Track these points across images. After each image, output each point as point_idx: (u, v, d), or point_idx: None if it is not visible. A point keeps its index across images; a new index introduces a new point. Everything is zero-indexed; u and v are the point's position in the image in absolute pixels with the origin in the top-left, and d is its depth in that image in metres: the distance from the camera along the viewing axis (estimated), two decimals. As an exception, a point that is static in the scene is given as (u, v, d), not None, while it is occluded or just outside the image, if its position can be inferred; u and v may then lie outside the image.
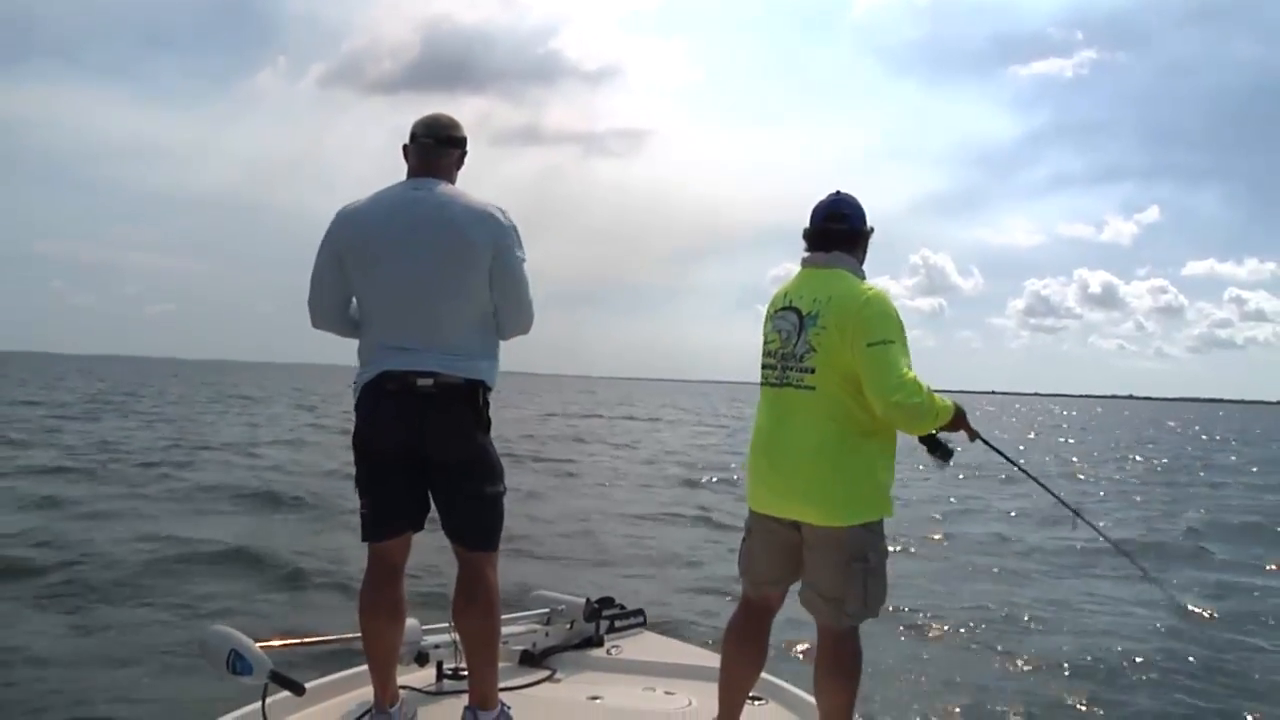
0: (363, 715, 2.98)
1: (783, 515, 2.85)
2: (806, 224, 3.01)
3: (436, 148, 3.04)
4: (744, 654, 3.01)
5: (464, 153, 3.12)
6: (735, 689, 3.00)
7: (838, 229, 2.95)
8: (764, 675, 3.46)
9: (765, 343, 2.94)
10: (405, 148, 3.07)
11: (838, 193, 3.02)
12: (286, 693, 2.92)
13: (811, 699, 3.05)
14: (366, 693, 3.08)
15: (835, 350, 2.76)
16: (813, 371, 2.78)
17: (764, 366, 2.93)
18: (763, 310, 3.10)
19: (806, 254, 2.99)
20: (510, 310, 3.01)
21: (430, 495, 2.96)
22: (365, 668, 3.16)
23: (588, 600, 4.02)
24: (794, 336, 2.82)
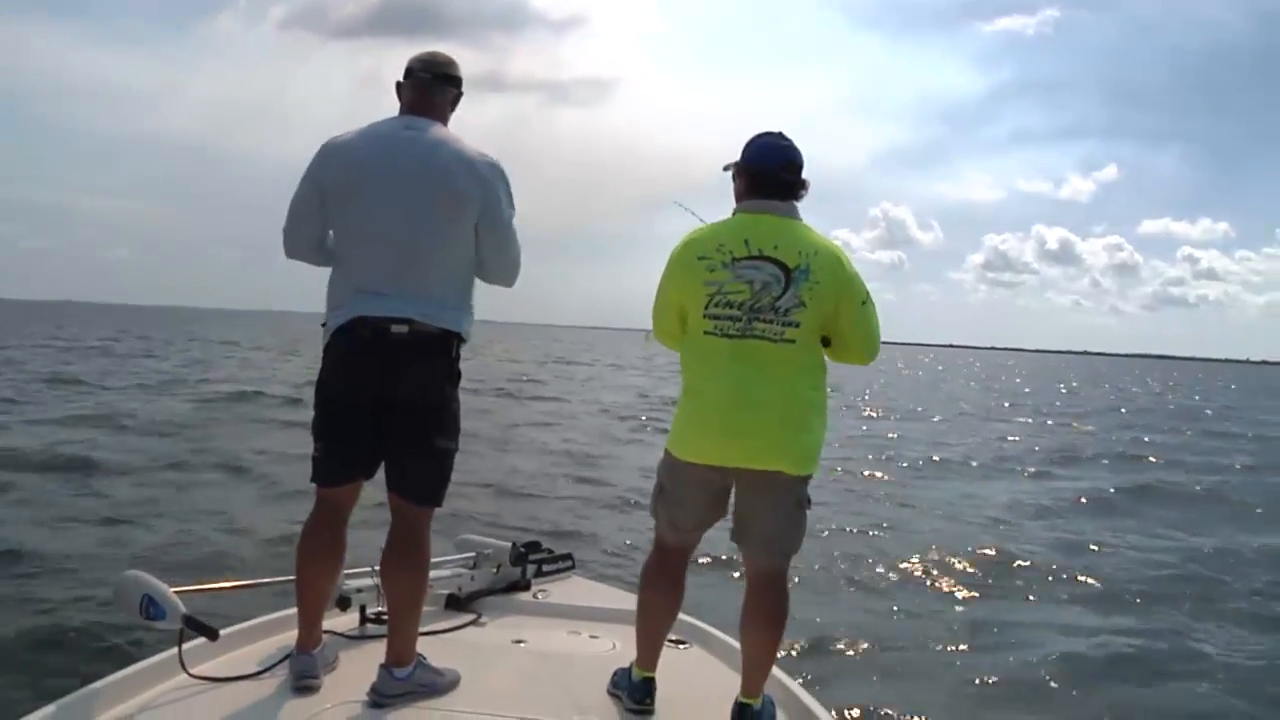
0: (283, 659, 2.97)
1: (750, 466, 2.81)
2: (747, 161, 2.92)
3: (434, 83, 2.96)
4: (666, 598, 3.03)
5: (460, 94, 3.04)
6: (657, 632, 3.03)
7: (792, 180, 2.91)
8: (688, 619, 3.52)
9: (721, 292, 2.79)
10: (399, 85, 2.98)
11: (780, 135, 2.96)
12: (203, 638, 2.90)
13: (733, 641, 3.10)
14: (285, 638, 3.08)
15: (823, 305, 2.78)
16: (797, 325, 2.75)
17: (717, 317, 2.79)
18: None
19: (759, 200, 2.89)
20: (495, 262, 2.97)
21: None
22: (284, 613, 3.16)
23: (514, 544, 4.04)
24: (774, 288, 2.74)
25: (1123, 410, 35.83)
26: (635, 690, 2.97)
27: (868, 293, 2.86)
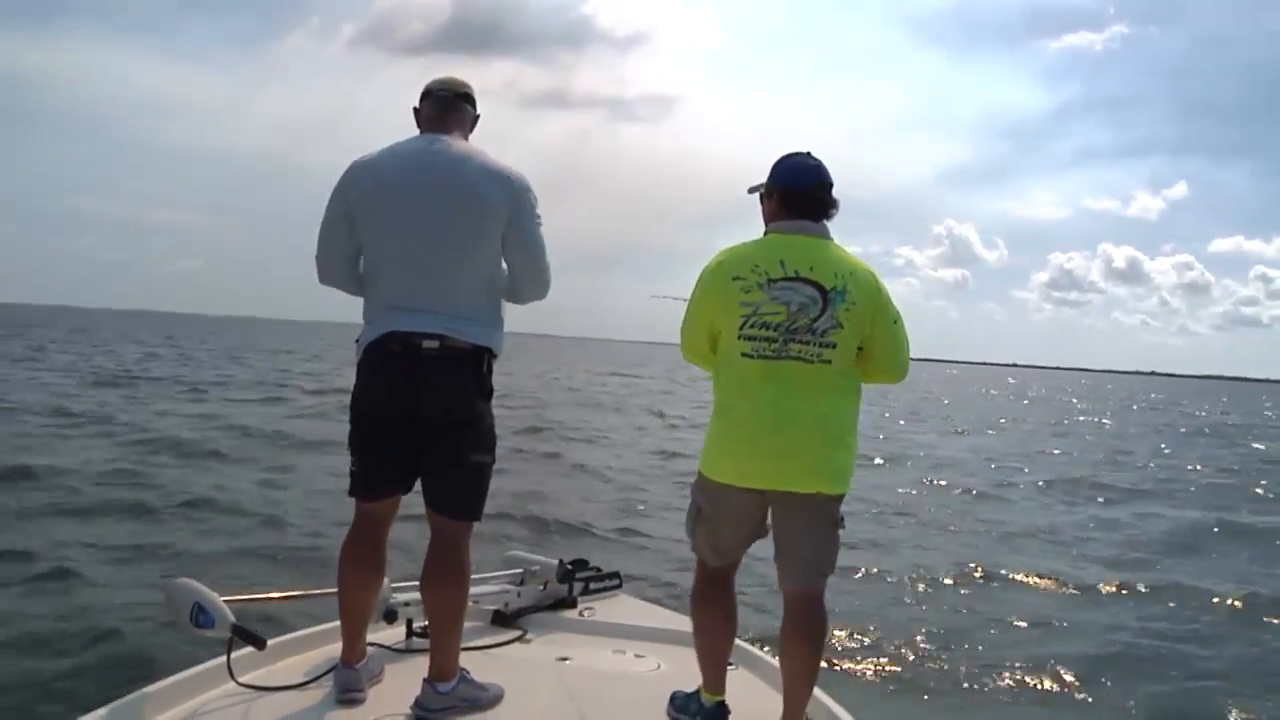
0: (329, 670, 3.00)
1: (785, 488, 2.80)
2: (778, 182, 2.93)
3: (455, 100, 3.01)
4: (720, 619, 3.01)
5: (477, 115, 3.07)
6: (719, 653, 3.01)
7: (824, 198, 2.92)
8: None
9: (757, 313, 2.78)
10: (416, 110, 3.02)
11: (809, 154, 2.96)
12: (251, 647, 2.93)
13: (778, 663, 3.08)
14: (332, 649, 3.11)
15: (858, 326, 2.79)
16: (834, 346, 2.76)
17: (753, 338, 2.79)
18: None
19: (792, 220, 2.89)
20: (525, 275, 2.97)
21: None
22: (330, 625, 3.19)
23: (561, 561, 4.04)
24: (811, 310, 2.75)
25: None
26: (710, 715, 2.96)
27: (898, 312, 2.88)
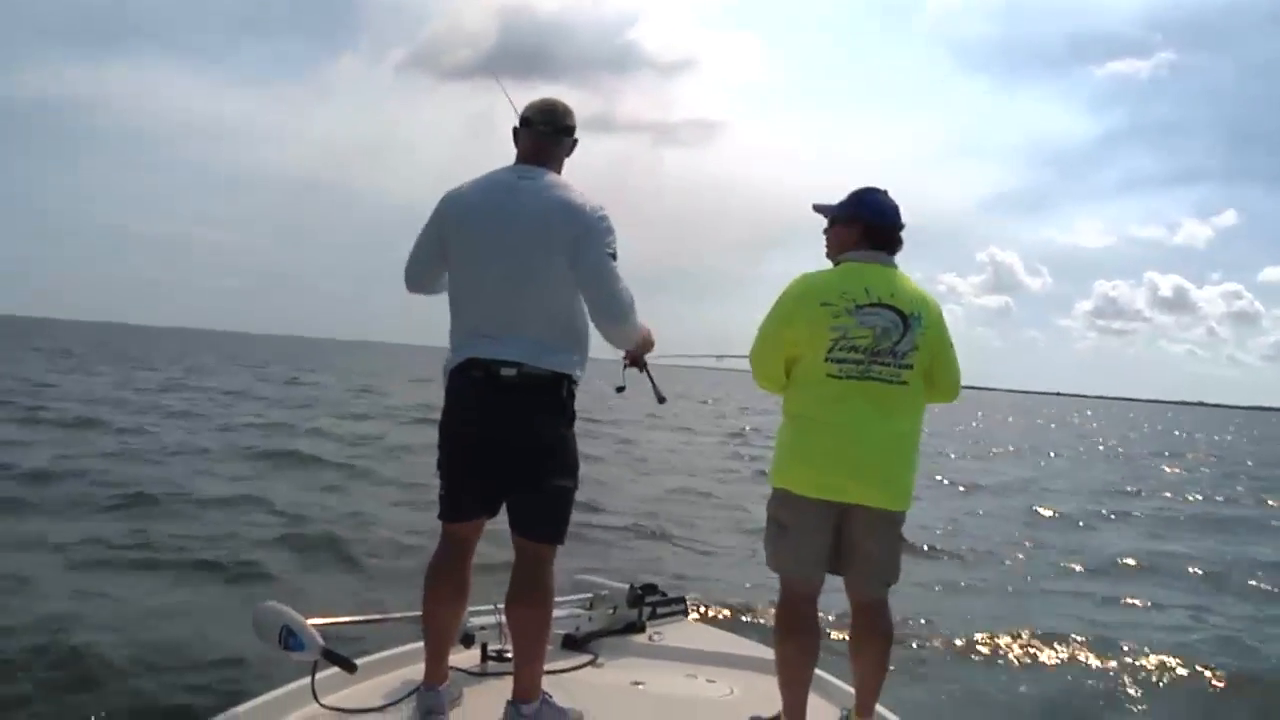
0: (411, 692, 3.03)
1: (864, 502, 2.92)
2: (869, 216, 3.09)
3: (553, 135, 3.06)
4: (808, 650, 3.02)
5: (575, 141, 3.12)
6: (805, 684, 3.02)
7: (900, 239, 3.13)
8: None
9: (845, 337, 2.91)
10: (515, 131, 3.07)
11: (887, 193, 3.14)
12: (334, 669, 2.95)
13: (842, 684, 3.22)
14: (412, 671, 3.15)
15: (931, 349, 3.00)
16: (911, 368, 2.95)
17: (841, 360, 2.91)
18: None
19: (869, 251, 3.06)
20: (595, 306, 2.99)
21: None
22: (411, 646, 3.23)
23: (631, 586, 4.07)
24: (894, 333, 2.92)
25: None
26: None
27: (951, 336, 3.14)
